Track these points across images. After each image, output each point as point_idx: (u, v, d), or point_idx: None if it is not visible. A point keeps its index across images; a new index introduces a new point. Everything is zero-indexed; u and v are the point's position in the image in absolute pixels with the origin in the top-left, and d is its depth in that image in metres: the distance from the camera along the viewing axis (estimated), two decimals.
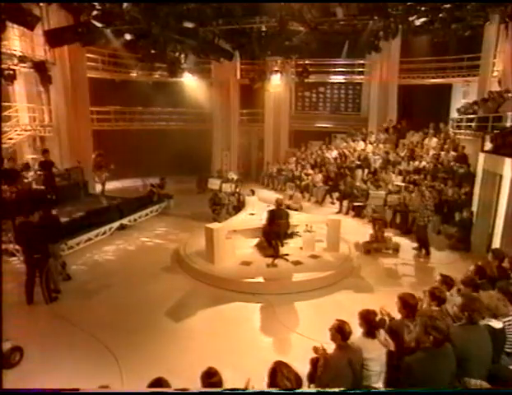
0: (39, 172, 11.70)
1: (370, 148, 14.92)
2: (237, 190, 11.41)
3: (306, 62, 16.36)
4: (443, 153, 12.46)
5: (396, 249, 9.21)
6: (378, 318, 3.91)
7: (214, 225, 8.11)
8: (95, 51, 15.49)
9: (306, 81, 16.10)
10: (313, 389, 3.58)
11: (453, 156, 12.07)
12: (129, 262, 8.90)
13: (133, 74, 16.53)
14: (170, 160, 17.39)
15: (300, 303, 6.88)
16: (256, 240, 8.87)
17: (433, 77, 15.63)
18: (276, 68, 14.91)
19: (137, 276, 8.01)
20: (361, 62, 16.99)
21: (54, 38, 7.77)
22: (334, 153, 15.75)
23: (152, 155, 17.05)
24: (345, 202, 12.46)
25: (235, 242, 8.56)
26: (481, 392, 3.16)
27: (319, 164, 15.59)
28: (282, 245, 8.24)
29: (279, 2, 8.55)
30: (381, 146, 14.77)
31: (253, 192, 11.10)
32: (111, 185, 15.78)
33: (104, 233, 10.18)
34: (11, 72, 12.51)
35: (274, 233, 8.10)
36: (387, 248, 9.20)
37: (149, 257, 9.12)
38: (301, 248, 8.72)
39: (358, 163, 14.12)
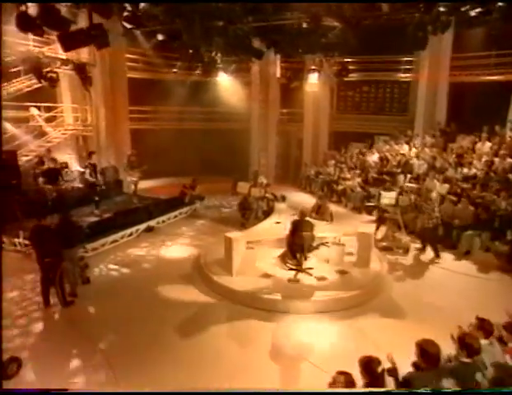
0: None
1: (414, 152, 13.74)
2: (266, 195, 10.89)
3: (346, 59, 15.41)
4: (497, 160, 11.11)
5: (406, 249, 9.21)
6: (381, 368, 3.25)
7: (233, 234, 7.67)
8: (134, 52, 15.61)
9: (349, 79, 15.19)
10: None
11: (509, 164, 10.71)
12: (149, 267, 8.70)
13: (171, 74, 16.49)
14: (207, 159, 17.26)
15: (319, 325, 6.25)
16: (281, 251, 8.31)
17: (490, 74, 14.06)
18: (313, 67, 14.14)
19: (154, 284, 7.75)
20: (408, 58, 15.73)
21: (67, 41, 7.66)
22: (375, 156, 14.72)
23: (188, 155, 17.02)
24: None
25: (258, 252, 8.07)
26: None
27: (359, 168, 14.65)
28: (306, 259, 7.62)
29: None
30: (427, 150, 13.54)
31: (283, 199, 10.54)
32: (146, 184, 15.94)
33: (130, 234, 10.12)
34: (54, 74, 12.86)
35: (297, 245, 7.51)
36: (397, 248, 9.26)
37: (170, 263, 8.87)
38: (328, 261, 8.05)
39: (396, 170, 13.01)
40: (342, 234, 8.12)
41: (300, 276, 7.45)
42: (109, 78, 14.48)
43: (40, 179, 9.50)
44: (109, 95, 14.61)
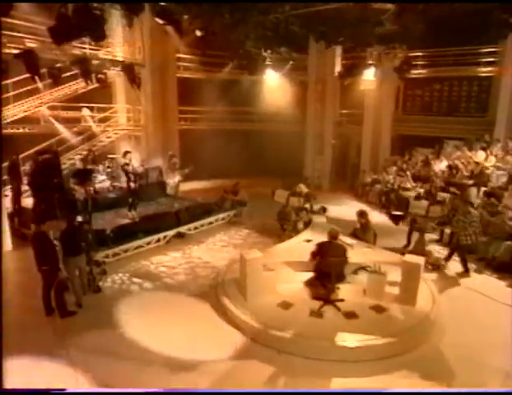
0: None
1: (491, 160, 11.44)
2: (306, 206, 9.60)
3: (412, 53, 13.40)
4: None
5: (437, 266, 8.11)
6: None
7: (249, 254, 6.58)
8: (184, 51, 15.22)
9: (417, 76, 13.27)
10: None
11: None
12: (167, 280, 7.95)
13: (221, 73, 15.84)
14: (257, 162, 16.38)
15: (335, 380, 4.95)
16: (309, 275, 7.06)
17: None
18: (369, 61, 12.45)
19: (164, 301, 7.04)
20: (491, 49, 13.24)
21: (59, 35, 7.17)
22: (443, 164, 12.60)
23: (237, 157, 16.19)
24: (447, 229, 9.60)
25: (281, 275, 6.90)
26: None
27: (423, 178, 12.66)
28: (334, 290, 6.27)
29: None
30: (510, 158, 11.18)
31: (323, 210, 9.21)
32: (191, 186, 15.49)
33: (158, 240, 9.54)
34: (103, 75, 12.85)
35: (324, 273, 6.21)
36: (427, 263, 7.78)
37: (190, 277, 8.06)
38: (364, 291, 6.62)
39: (467, 181, 10.87)
40: (382, 262, 6.63)
41: (327, 308, 6.15)
42: (159, 78, 14.22)
43: (71, 180, 9.34)
44: (158, 95, 14.36)
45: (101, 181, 11.82)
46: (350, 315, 6.01)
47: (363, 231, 7.50)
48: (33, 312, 6.47)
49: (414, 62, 12.55)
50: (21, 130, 12.18)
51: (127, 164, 10.66)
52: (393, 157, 15.34)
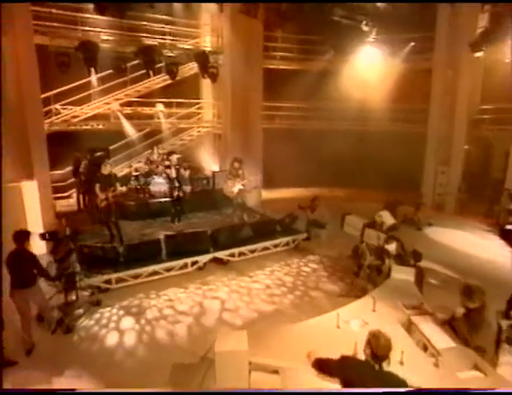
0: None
1: None
2: (385, 246, 5.93)
3: None
4: None
5: None
6: None
7: (226, 339, 3.58)
8: (269, 37, 12.74)
9: None
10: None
11: None
12: (160, 335, 5.45)
13: (319, 62, 12.79)
14: (357, 170, 12.93)
15: None
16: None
17: None
18: None
19: (131, 374, 4.62)
20: None
21: None
22: None
23: (332, 163, 13.01)
24: None
25: (293, 378, 3.74)
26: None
27: None
28: None
29: None
30: None
31: (415, 257, 5.54)
32: (271, 195, 12.94)
33: (183, 267, 7.23)
34: (174, 67, 11.24)
35: None
36: None
37: (187, 337, 5.44)
38: None
39: None
40: None
41: None
42: (240, 69, 11.99)
43: (97, 185, 7.76)
44: (239, 88, 12.13)
45: (158, 184, 10.17)
46: None
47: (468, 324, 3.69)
48: None
49: None
50: (88, 127, 11.43)
51: (168, 168, 8.72)
52: None
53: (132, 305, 6.18)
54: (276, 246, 8.39)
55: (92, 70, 9.70)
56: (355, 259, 6.77)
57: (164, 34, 11.72)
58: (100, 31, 10.77)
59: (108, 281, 6.51)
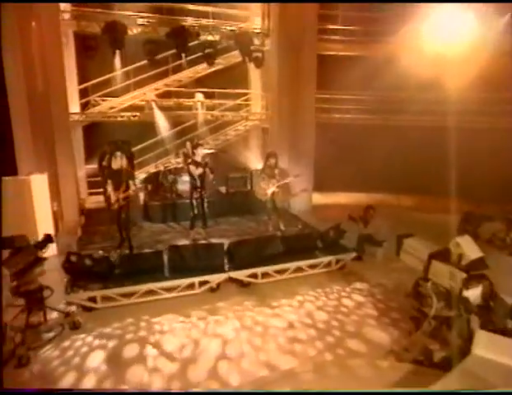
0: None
1: None
2: (464, 290, 3.75)
3: None
4: None
5: None
6: None
7: None
8: (329, 16, 10.75)
9: None
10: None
11: None
12: (133, 388, 4.07)
13: (387, 45, 10.52)
14: (436, 172, 10.45)
15: None
16: None
17: None
18: None
19: None
20: None
21: None
22: None
23: (398, 165, 10.76)
24: None
25: None
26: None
27: None
28: None
29: None
30: None
31: None
32: (324, 199, 11.04)
33: (189, 287, 5.73)
34: (260, 54, 9.82)
35: None
36: None
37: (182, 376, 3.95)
38: None
39: None
40: None
41: None
42: (290, 54, 10.24)
43: (108, 183, 6.61)
44: (288, 76, 10.37)
45: (185, 182, 8.86)
46: None
47: None
48: None
49: None
50: (125, 119, 10.53)
51: (192, 163, 7.29)
52: None
53: (112, 335, 4.82)
54: (314, 267, 6.54)
55: (117, 53, 8.66)
56: (416, 300, 4.69)
57: (203, 15, 10.39)
58: (135, 15, 9.75)
59: (93, 299, 5.25)
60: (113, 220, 7.06)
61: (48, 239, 4.77)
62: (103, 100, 10.77)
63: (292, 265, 6.30)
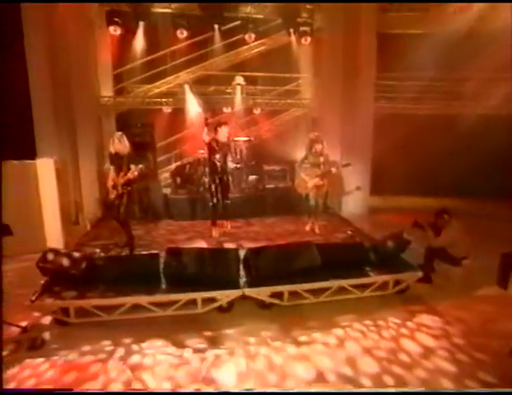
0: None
1: None
2: None
3: None
4: None
5: None
6: None
7: None
8: None
9: None
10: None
11: None
12: None
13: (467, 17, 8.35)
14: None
15: None
16: None
17: None
18: None
19: None
20: None
21: None
22: None
23: (485, 164, 8.59)
24: None
25: None
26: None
27: None
28: None
29: None
30: None
31: None
32: (384, 202, 9.20)
33: (189, 304, 4.28)
34: (308, 29, 8.38)
35: None
36: None
37: None
38: None
39: None
40: None
41: None
42: (344, 32, 8.48)
43: (110, 169, 5.45)
44: (342, 58, 8.64)
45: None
46: None
47: None
48: None
49: None
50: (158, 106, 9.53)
51: (211, 145, 5.89)
52: None
53: (79, 364, 3.54)
54: (363, 288, 4.76)
55: (141, 24, 7.59)
56: None
57: None
58: None
59: (65, 311, 4.03)
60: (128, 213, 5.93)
61: (5, 230, 3.64)
62: (137, 87, 9.89)
63: (333, 284, 4.59)
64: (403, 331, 4.16)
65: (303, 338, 3.96)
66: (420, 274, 4.96)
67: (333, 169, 6.54)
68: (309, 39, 8.43)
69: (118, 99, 9.41)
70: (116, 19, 7.89)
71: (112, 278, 4.21)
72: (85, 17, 7.81)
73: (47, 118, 7.18)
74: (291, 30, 8.39)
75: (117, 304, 4.07)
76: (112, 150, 5.33)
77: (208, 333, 4.01)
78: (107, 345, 3.80)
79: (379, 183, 9.31)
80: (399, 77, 9.62)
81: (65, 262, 4.22)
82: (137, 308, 4.14)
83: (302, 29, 8.43)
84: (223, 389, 3.24)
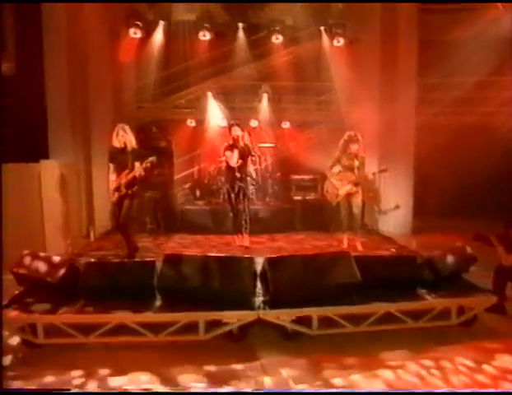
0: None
1: None
2: None
3: None
4: None
5: None
6: None
7: None
8: None
9: None
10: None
11: None
12: None
13: None
14: None
15: None
16: None
17: None
18: None
19: None
20: None
21: None
22: None
23: None
24: None
25: None
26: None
27: None
28: None
29: None
30: None
31: None
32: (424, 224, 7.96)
33: (189, 329, 3.29)
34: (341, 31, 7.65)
35: None
36: None
37: None
38: None
39: None
40: None
41: None
42: (379, 34, 7.62)
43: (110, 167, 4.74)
44: (377, 63, 7.73)
45: None
46: None
47: None
48: None
49: None
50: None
51: (228, 148, 5.07)
52: None
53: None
54: (417, 316, 3.59)
55: (162, 24, 7.11)
56: None
57: None
58: None
59: (32, 328, 3.17)
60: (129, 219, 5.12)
61: None
62: (160, 99, 9.46)
63: (377, 308, 3.46)
64: (478, 377, 2.96)
65: (337, 381, 2.85)
66: (494, 299, 3.74)
67: (370, 175, 5.50)
68: (341, 40, 7.64)
69: (141, 107, 8.97)
70: (137, 22, 7.52)
71: (94, 289, 3.33)
72: (106, 20, 7.49)
73: (62, 121, 6.76)
74: (322, 28, 7.64)
75: (97, 323, 3.17)
76: (116, 143, 4.63)
77: (209, 368, 2.99)
78: (76, 376, 2.87)
79: (422, 202, 8.15)
80: (443, 84, 8.55)
81: (41, 267, 3.40)
82: (121, 329, 3.21)
83: (334, 30, 7.66)
84: None
